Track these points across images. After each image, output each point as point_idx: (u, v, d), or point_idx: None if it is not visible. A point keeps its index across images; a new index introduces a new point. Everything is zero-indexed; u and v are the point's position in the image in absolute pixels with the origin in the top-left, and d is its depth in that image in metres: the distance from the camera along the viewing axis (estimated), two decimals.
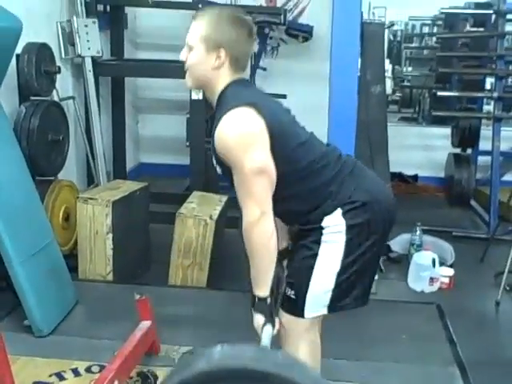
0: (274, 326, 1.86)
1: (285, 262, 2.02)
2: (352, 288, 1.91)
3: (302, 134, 1.91)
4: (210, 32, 1.84)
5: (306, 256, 1.88)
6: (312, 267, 1.87)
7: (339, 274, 1.86)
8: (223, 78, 1.87)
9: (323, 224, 1.85)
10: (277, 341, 1.94)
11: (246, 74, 5.25)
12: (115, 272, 3.45)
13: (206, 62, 1.86)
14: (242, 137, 1.75)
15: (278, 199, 1.82)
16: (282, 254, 2.04)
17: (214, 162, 1.90)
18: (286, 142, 1.83)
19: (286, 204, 1.88)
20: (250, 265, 1.86)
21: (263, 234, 1.78)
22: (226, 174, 1.87)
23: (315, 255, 1.86)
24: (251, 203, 1.77)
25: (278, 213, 1.90)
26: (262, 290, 1.85)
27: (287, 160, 1.83)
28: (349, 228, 1.84)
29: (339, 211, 1.84)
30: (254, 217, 1.76)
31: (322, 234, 1.86)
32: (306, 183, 1.86)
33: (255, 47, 1.78)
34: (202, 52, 1.86)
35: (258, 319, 1.86)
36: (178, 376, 1.21)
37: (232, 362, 1.21)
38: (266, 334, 1.82)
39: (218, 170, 1.92)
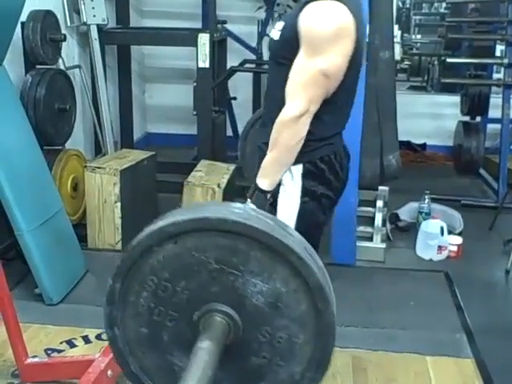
0: None
1: None
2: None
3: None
4: None
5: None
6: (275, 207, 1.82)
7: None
8: None
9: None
10: None
11: (254, 40, 5.15)
12: (124, 241, 3.47)
13: None
14: (335, 30, 1.64)
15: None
16: None
17: (274, 37, 1.80)
18: (358, 59, 1.76)
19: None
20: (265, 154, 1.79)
21: (297, 131, 1.70)
22: (275, 55, 1.80)
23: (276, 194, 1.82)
24: (302, 97, 1.68)
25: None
26: (269, 183, 1.78)
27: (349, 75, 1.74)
28: (303, 192, 1.80)
29: (300, 168, 1.79)
30: (298, 111, 1.67)
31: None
32: (325, 111, 1.76)
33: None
34: None
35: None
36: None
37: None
38: None
39: (269, 49, 1.85)
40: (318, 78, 1.67)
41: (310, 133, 1.74)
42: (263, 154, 1.81)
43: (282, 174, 1.79)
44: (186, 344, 1.23)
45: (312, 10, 1.66)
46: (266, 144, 1.79)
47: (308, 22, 1.66)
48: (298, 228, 1.75)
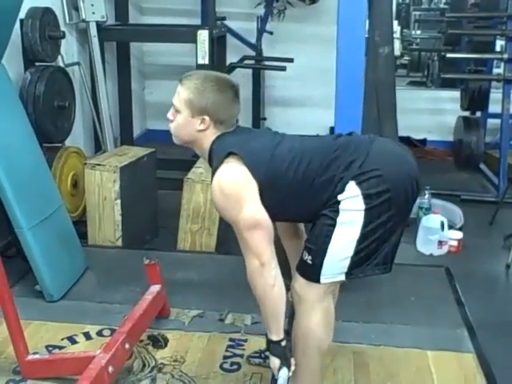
0: (289, 367, 1.92)
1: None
2: (372, 256, 1.89)
3: (292, 149, 1.91)
4: (194, 98, 1.91)
5: (325, 222, 1.87)
6: (331, 234, 1.86)
7: (359, 242, 1.85)
8: (209, 137, 1.95)
9: (340, 198, 1.84)
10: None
11: (254, 36, 5.12)
12: (124, 238, 3.47)
13: (192, 126, 1.93)
14: (229, 196, 1.81)
15: (290, 213, 1.94)
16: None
17: None
18: (274, 171, 1.86)
19: (299, 211, 1.95)
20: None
21: (265, 283, 1.83)
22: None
23: (334, 222, 1.85)
24: (250, 255, 1.83)
25: (293, 220, 2.08)
26: (275, 334, 1.90)
27: (283, 186, 1.87)
28: (366, 197, 1.81)
29: (352, 183, 1.82)
30: (255, 268, 1.82)
31: (339, 203, 1.84)
32: (312, 189, 1.87)
33: (239, 109, 1.88)
34: (187, 116, 1.93)
35: (274, 361, 1.92)
36: None
37: None
38: (283, 375, 1.89)
39: None
40: (249, 235, 1.82)
41: (331, 188, 1.84)
42: None
43: (282, 321, 1.90)
44: None
45: (211, 193, 1.87)
46: None
47: (214, 204, 1.87)
48: (367, 241, 1.85)
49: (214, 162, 1.89)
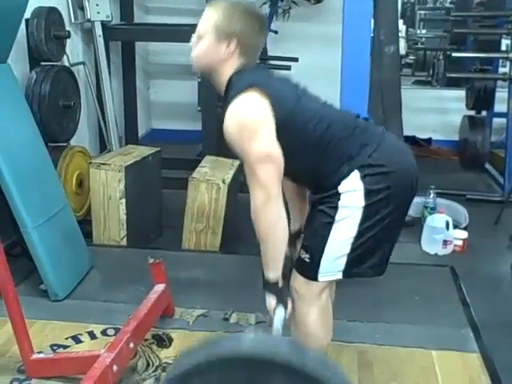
0: (286, 308, 1.88)
1: (298, 244, 2.01)
2: (368, 255, 1.89)
3: (313, 107, 1.88)
4: (223, 22, 1.85)
5: (323, 220, 1.86)
6: (328, 231, 1.85)
7: (355, 239, 1.84)
8: (230, 67, 1.88)
9: (340, 189, 1.82)
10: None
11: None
12: (129, 237, 3.48)
13: (216, 52, 1.87)
14: (245, 127, 1.75)
15: (295, 167, 1.82)
16: (294, 236, 2.05)
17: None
18: (295, 118, 1.81)
19: (303, 170, 1.88)
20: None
21: (270, 218, 1.78)
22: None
23: (332, 219, 1.84)
24: (257, 188, 1.76)
25: (295, 178, 1.93)
26: (273, 272, 1.85)
27: (298, 135, 1.81)
28: (367, 193, 1.80)
29: (356, 174, 1.81)
30: (261, 202, 1.76)
31: (339, 199, 1.83)
32: (322, 153, 1.83)
33: (264, 42, 1.82)
34: (212, 41, 1.87)
35: (270, 301, 1.87)
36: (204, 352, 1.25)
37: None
38: (278, 316, 1.84)
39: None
40: (259, 168, 1.74)
41: (339, 162, 1.81)
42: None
43: (282, 261, 1.85)
44: None
45: (225, 121, 1.77)
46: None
47: (225, 133, 1.77)
48: (363, 238, 1.83)
49: (232, 93, 1.81)
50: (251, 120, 1.75)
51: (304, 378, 1.21)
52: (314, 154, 1.84)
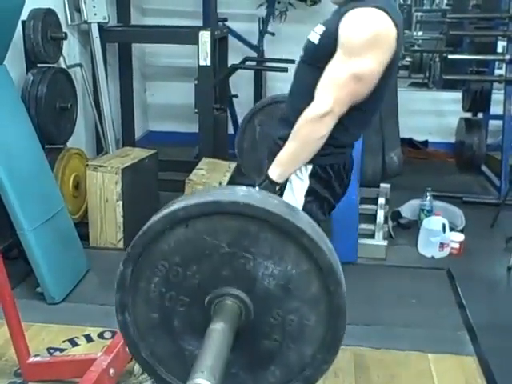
0: None
1: None
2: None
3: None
4: None
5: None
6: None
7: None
8: None
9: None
10: None
11: (255, 38, 5.11)
12: (126, 239, 3.47)
13: None
14: (376, 34, 1.66)
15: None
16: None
17: (312, 39, 1.83)
18: (393, 71, 1.77)
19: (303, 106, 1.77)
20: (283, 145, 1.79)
21: (319, 130, 1.71)
22: (311, 58, 1.82)
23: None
24: (329, 97, 1.69)
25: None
26: (280, 173, 1.78)
27: (377, 87, 1.74)
28: (308, 192, 1.85)
29: (310, 168, 1.82)
30: (323, 110, 1.68)
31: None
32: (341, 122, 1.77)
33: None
34: None
35: None
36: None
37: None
38: None
39: (304, 49, 1.87)
40: (349, 81, 1.68)
41: (331, 137, 1.76)
42: (278, 149, 1.82)
43: (295, 169, 1.80)
44: (197, 329, 1.24)
45: (352, 16, 1.69)
46: (284, 139, 1.80)
47: (347, 27, 1.68)
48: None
49: (359, 3, 1.69)
50: (383, 33, 1.67)
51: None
52: (346, 115, 1.76)
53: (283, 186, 1.84)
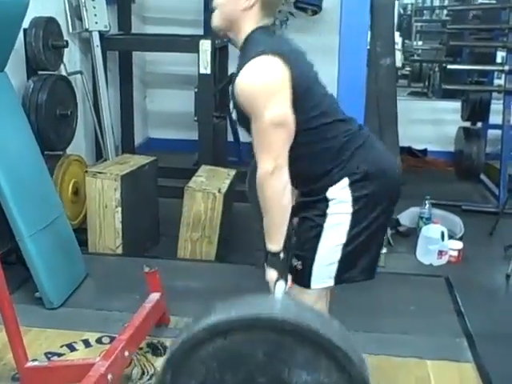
0: (286, 281, 1.85)
1: (294, 220, 1.98)
2: (358, 260, 1.90)
3: (323, 93, 1.88)
4: None
5: (312, 227, 1.87)
6: (318, 239, 1.86)
7: (345, 246, 1.85)
8: (251, 20, 1.83)
9: (328, 195, 1.84)
10: None
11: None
12: (124, 245, 3.47)
13: (237, 2, 1.81)
14: (265, 86, 1.71)
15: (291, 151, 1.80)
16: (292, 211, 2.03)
17: (231, 107, 1.87)
18: (308, 97, 1.79)
19: (294, 166, 1.83)
20: (263, 219, 1.82)
21: (276, 187, 1.75)
22: (241, 122, 1.84)
23: (321, 227, 1.85)
24: (266, 155, 1.73)
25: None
26: (275, 244, 1.82)
27: (305, 117, 1.79)
28: (355, 200, 1.82)
29: (346, 181, 1.82)
30: (268, 170, 1.73)
31: (327, 206, 1.84)
32: (317, 145, 1.83)
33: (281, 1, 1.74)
34: None
35: (271, 274, 1.83)
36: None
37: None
38: (279, 289, 1.81)
39: (234, 116, 1.89)
40: (272, 133, 1.72)
41: (326, 158, 1.81)
42: None
43: (284, 233, 1.82)
44: None
45: (240, 81, 1.73)
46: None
47: (241, 93, 1.73)
48: (353, 244, 1.84)
49: (251, 52, 1.75)
50: (273, 81, 1.72)
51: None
52: (311, 144, 1.82)
53: (296, 226, 1.87)
